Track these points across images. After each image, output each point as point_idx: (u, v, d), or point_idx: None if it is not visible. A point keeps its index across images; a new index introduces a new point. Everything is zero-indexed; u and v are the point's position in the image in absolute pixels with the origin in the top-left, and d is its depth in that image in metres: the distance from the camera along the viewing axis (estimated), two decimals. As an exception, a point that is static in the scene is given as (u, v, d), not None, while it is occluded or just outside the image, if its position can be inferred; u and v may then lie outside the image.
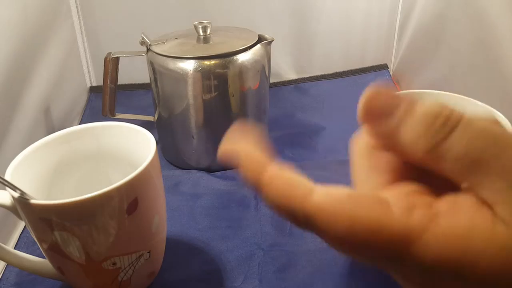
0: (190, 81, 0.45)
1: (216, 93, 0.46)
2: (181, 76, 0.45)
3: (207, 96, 0.46)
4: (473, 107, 0.37)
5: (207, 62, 0.44)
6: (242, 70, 0.46)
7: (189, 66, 0.44)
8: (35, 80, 0.51)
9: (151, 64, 0.47)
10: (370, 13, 0.71)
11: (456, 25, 0.52)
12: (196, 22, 0.48)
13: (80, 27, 0.66)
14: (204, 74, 0.45)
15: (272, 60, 0.52)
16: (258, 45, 0.48)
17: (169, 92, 0.47)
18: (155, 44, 0.47)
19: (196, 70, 0.44)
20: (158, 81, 0.48)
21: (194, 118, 0.47)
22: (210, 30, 0.49)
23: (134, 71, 0.53)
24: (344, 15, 0.70)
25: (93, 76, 0.70)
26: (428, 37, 0.60)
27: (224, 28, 0.52)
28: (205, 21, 0.48)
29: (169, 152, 0.52)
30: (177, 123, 0.49)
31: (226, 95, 0.46)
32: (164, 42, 0.48)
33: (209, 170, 0.50)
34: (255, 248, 0.39)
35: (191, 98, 0.46)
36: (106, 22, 0.67)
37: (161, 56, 0.46)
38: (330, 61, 0.73)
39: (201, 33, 0.49)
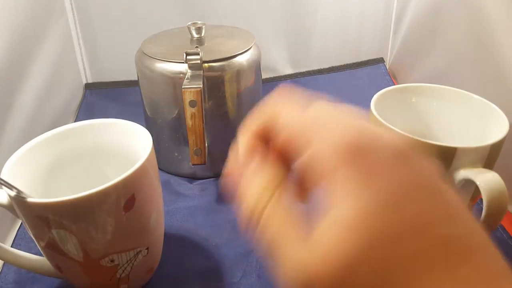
0: (181, 86, 0.41)
1: (210, 97, 0.43)
2: (171, 80, 0.42)
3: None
4: (469, 100, 0.37)
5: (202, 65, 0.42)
6: (239, 73, 0.44)
7: (182, 70, 0.42)
8: (29, 77, 0.50)
9: (140, 66, 0.45)
10: (366, 7, 0.70)
11: (452, 18, 0.52)
12: (190, 23, 0.46)
13: (75, 23, 0.66)
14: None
15: (269, 55, 0.52)
16: (253, 45, 0.47)
17: (159, 96, 0.45)
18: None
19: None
20: (147, 84, 0.46)
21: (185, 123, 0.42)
22: (204, 31, 0.47)
23: (129, 67, 0.52)
24: (340, 9, 0.70)
25: (88, 73, 0.70)
26: (424, 30, 0.60)
27: (218, 27, 0.51)
28: (199, 22, 0.46)
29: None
30: (167, 128, 0.46)
31: (221, 99, 0.44)
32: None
33: (196, 177, 0.48)
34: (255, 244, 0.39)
35: (182, 102, 0.41)
36: (101, 18, 0.66)
37: (151, 59, 0.44)
38: (327, 55, 0.73)
39: (195, 35, 0.47)
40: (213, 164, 0.47)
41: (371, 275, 0.14)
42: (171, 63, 0.43)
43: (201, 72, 0.41)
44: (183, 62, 0.42)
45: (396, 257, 0.14)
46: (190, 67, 0.41)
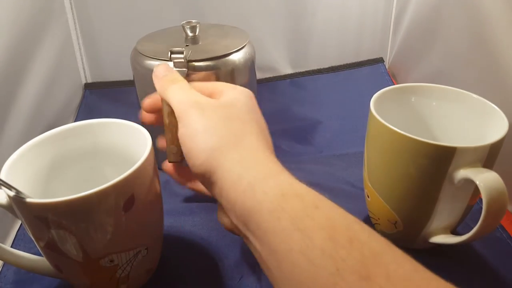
0: None
1: None
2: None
3: None
4: (469, 100, 0.37)
5: (194, 64, 0.42)
6: (233, 71, 0.44)
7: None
8: (29, 77, 0.50)
9: (135, 65, 0.45)
10: (365, 7, 0.71)
11: (452, 18, 0.52)
12: (184, 22, 0.47)
13: (75, 23, 0.66)
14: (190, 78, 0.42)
15: (268, 55, 0.52)
16: (247, 43, 0.47)
17: (148, 91, 0.45)
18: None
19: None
20: (141, 83, 0.46)
21: None
22: (199, 30, 0.47)
23: (129, 67, 0.52)
24: (340, 9, 0.70)
25: (88, 73, 0.70)
26: (424, 30, 0.60)
27: (213, 26, 0.51)
28: (193, 21, 0.47)
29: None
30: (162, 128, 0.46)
31: None
32: None
33: None
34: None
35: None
36: (100, 18, 0.66)
37: (145, 57, 0.44)
38: (326, 55, 0.73)
39: (190, 34, 0.47)
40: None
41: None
42: (164, 61, 0.43)
43: (186, 70, 0.41)
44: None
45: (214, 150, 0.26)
46: (175, 65, 0.41)
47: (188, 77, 0.42)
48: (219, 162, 0.26)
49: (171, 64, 0.42)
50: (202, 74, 0.42)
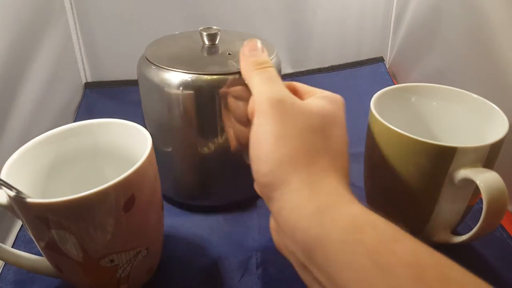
0: (189, 100, 0.36)
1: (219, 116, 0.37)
2: (175, 94, 0.36)
3: (208, 119, 0.37)
4: (469, 100, 0.37)
5: (208, 78, 0.36)
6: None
7: (187, 79, 0.36)
8: (29, 77, 0.50)
9: (143, 74, 0.38)
10: (366, 6, 0.70)
11: (452, 17, 0.52)
12: (202, 28, 0.40)
13: (75, 23, 0.66)
14: (207, 93, 0.36)
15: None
16: (275, 56, 0.41)
17: (160, 110, 0.39)
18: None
19: (196, 87, 0.36)
20: (147, 94, 0.40)
21: (195, 148, 0.39)
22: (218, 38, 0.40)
23: (129, 67, 0.52)
24: (340, 8, 0.70)
25: (88, 73, 0.70)
26: (424, 30, 0.60)
27: (229, 33, 0.44)
28: (214, 27, 0.40)
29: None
30: (170, 150, 0.40)
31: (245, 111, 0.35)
32: None
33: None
34: (254, 244, 0.39)
35: (187, 120, 0.37)
36: (100, 18, 0.66)
37: (156, 67, 0.37)
38: (326, 55, 0.73)
39: (207, 42, 0.40)
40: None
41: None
42: (178, 73, 0.36)
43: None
44: (191, 73, 0.36)
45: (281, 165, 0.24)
46: None
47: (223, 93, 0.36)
48: (286, 178, 0.23)
49: (190, 76, 0.36)
50: (234, 89, 0.35)
